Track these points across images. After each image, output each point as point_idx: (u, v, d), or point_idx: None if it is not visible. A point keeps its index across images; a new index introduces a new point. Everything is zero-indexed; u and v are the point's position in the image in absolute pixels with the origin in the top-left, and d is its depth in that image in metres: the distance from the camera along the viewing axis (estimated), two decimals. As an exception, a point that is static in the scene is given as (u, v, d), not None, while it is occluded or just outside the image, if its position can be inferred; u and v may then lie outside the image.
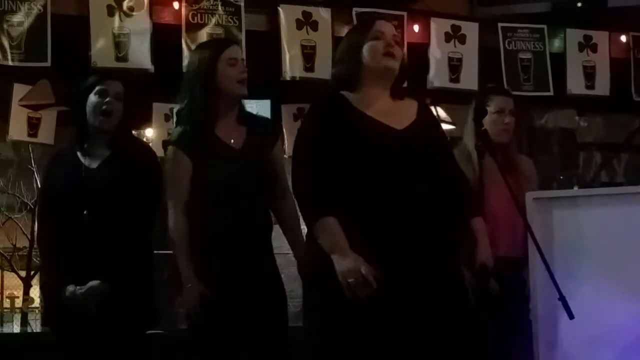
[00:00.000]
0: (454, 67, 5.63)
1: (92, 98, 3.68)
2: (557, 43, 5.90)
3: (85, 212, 3.59)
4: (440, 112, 6.24)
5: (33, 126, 5.39)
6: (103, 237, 3.56)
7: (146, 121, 5.67)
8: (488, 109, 4.08)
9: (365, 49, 3.13)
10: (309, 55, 5.31)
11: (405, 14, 5.51)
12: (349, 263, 2.84)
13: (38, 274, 14.41)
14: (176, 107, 5.28)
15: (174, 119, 5.35)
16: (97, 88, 3.68)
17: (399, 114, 3.13)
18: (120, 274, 3.55)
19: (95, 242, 3.56)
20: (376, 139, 3.03)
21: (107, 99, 3.66)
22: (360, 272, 2.81)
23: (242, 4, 5.21)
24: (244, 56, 3.71)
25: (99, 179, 3.63)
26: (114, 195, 3.61)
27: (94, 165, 3.68)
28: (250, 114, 3.78)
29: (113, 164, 3.67)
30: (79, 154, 3.71)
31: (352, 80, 3.14)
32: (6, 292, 17.34)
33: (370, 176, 2.99)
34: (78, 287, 3.53)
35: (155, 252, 3.83)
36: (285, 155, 4.50)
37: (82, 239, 3.57)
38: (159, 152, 4.00)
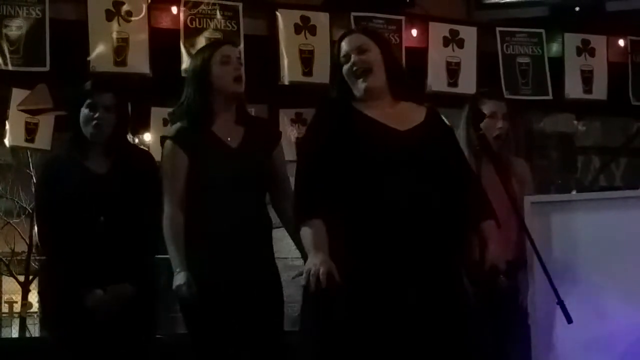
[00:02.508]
0: (452, 71, 5.64)
1: (84, 111, 3.69)
2: (555, 47, 5.91)
3: (102, 218, 3.60)
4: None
5: (30, 131, 5.38)
6: (115, 243, 3.58)
7: (144, 126, 5.66)
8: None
9: (344, 72, 3.13)
10: (307, 59, 5.31)
11: (403, 18, 5.52)
12: (317, 259, 2.84)
13: (37, 278, 14.39)
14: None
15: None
16: (87, 101, 3.69)
17: (404, 117, 3.11)
18: (133, 279, 3.58)
19: (109, 248, 3.57)
20: (377, 139, 3.02)
21: (97, 114, 3.67)
22: (319, 271, 2.80)
23: (240, 9, 5.21)
24: (241, 57, 3.72)
25: (111, 186, 3.64)
26: (125, 202, 3.62)
27: (102, 171, 3.69)
28: (250, 115, 3.81)
29: (120, 170, 3.68)
30: (79, 159, 3.72)
31: (350, 97, 3.15)
32: (5, 297, 17.32)
33: (369, 175, 2.99)
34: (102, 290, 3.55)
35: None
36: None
37: (97, 244, 3.58)
38: (158, 157, 4.01)
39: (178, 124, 3.66)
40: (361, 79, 3.10)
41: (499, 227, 3.27)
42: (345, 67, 3.13)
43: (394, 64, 3.21)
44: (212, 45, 3.97)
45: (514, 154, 4.25)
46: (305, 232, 2.96)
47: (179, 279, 3.42)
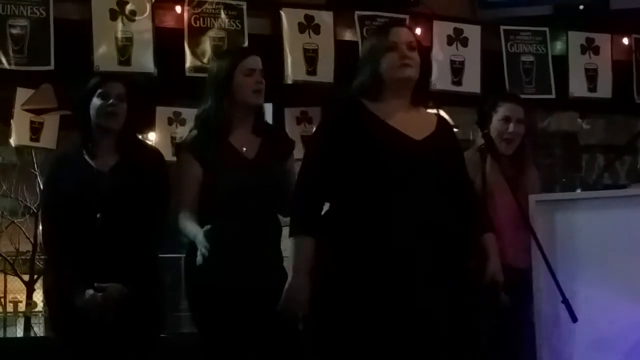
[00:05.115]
0: (457, 70, 5.62)
1: (96, 101, 3.71)
2: (559, 46, 5.89)
3: (98, 215, 3.60)
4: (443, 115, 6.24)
5: (35, 131, 5.39)
6: (115, 241, 3.57)
7: (149, 125, 5.67)
8: (495, 115, 4.06)
9: (382, 61, 3.14)
10: (311, 58, 5.31)
11: (407, 17, 5.51)
12: (294, 286, 3.08)
13: (41, 278, 14.40)
14: (180, 110, 5.39)
15: (177, 123, 5.40)
16: (99, 91, 3.71)
17: (418, 125, 3.15)
18: (134, 277, 3.57)
19: (108, 246, 3.57)
20: (394, 147, 3.05)
21: (111, 101, 3.68)
22: (294, 299, 3.07)
23: (245, 8, 5.22)
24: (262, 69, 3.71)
25: (112, 183, 3.64)
26: (126, 199, 3.62)
27: (106, 168, 3.69)
28: (267, 124, 3.80)
29: (125, 167, 3.69)
30: (86, 156, 3.73)
31: (372, 91, 3.16)
32: (9, 297, 17.33)
33: (385, 183, 3.00)
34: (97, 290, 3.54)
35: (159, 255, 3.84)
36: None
37: (95, 242, 3.58)
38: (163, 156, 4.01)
39: (194, 132, 3.66)
40: (404, 68, 3.15)
41: (496, 237, 3.29)
42: (389, 55, 3.14)
43: (424, 69, 3.27)
44: (236, 53, 3.93)
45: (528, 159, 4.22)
46: (293, 247, 3.11)
47: (200, 237, 3.33)
